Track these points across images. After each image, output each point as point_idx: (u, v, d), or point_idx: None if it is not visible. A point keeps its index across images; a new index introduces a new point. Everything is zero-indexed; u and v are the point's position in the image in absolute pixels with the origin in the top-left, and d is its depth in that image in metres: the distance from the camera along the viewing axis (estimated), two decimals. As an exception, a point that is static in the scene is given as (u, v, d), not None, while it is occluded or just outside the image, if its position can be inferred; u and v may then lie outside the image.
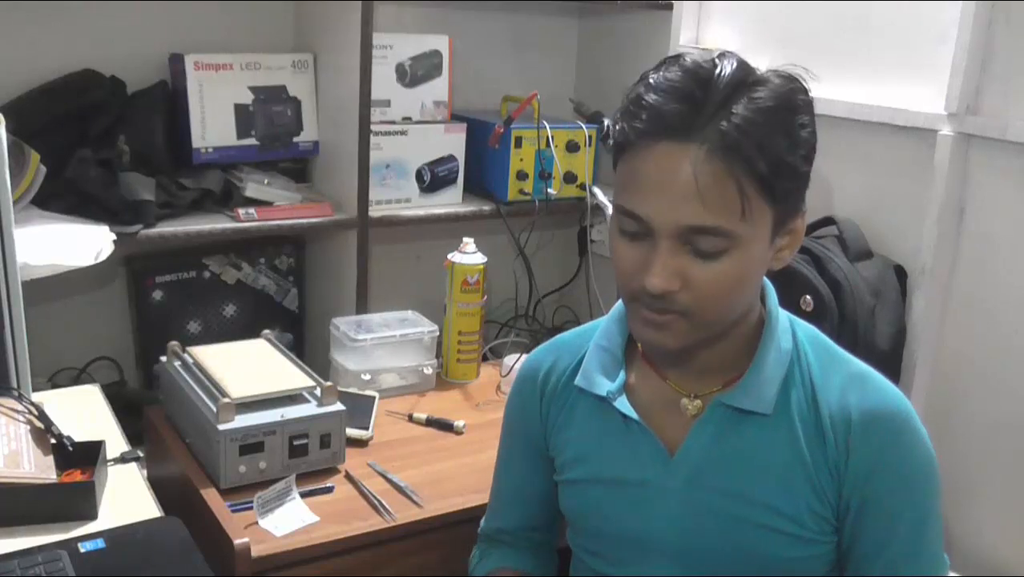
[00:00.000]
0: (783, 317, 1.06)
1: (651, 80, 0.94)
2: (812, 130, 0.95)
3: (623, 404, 1.07)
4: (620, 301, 1.15)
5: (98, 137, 1.79)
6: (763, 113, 0.90)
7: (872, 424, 0.99)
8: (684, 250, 0.93)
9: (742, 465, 1.02)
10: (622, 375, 1.09)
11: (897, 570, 1.00)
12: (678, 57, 0.95)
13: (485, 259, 1.90)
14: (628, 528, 1.06)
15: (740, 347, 1.04)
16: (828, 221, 1.79)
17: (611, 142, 1.00)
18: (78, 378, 1.89)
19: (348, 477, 1.48)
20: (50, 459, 1.20)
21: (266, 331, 1.68)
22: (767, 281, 1.07)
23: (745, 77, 0.93)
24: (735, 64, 0.93)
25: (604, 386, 1.08)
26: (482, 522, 1.30)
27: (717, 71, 0.92)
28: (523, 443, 1.20)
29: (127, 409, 1.70)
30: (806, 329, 1.08)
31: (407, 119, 2.04)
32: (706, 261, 0.93)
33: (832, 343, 1.08)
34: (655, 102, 0.92)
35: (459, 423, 1.68)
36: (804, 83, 0.96)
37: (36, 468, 1.16)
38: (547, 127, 2.08)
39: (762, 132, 0.90)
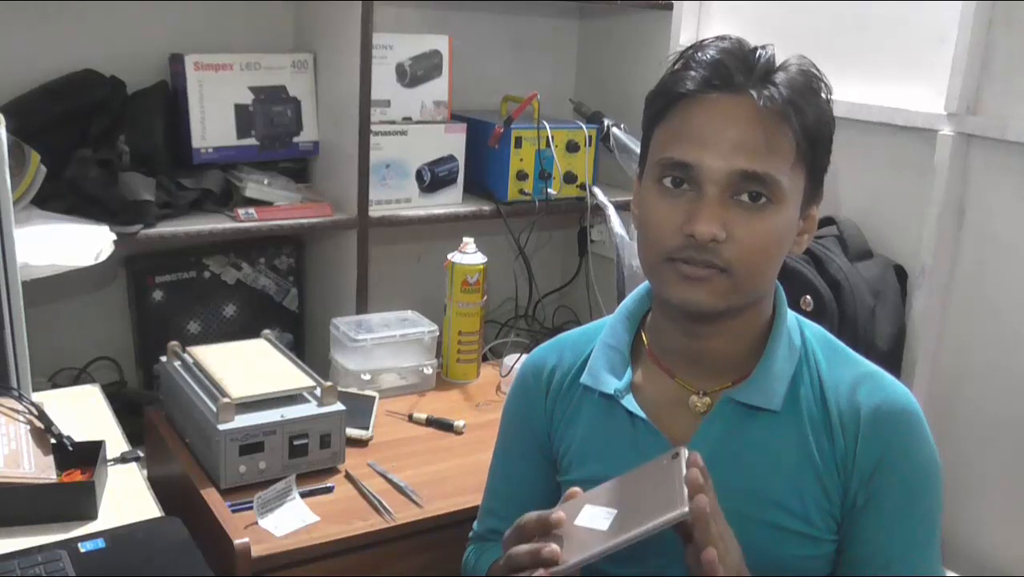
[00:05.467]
0: (791, 317, 1.07)
1: (695, 51, 0.99)
2: (832, 112, 1.02)
3: (630, 402, 1.06)
4: (625, 301, 1.15)
5: (98, 137, 1.79)
6: (799, 84, 0.98)
7: (882, 419, 1.00)
8: (730, 202, 0.95)
9: (751, 463, 1.01)
10: (629, 373, 1.09)
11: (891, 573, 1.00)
12: (713, 38, 1.01)
13: (485, 259, 1.90)
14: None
15: (749, 345, 1.04)
16: (828, 221, 1.79)
17: (660, 93, 1.01)
18: (78, 378, 1.89)
19: (348, 477, 1.48)
20: (50, 459, 1.20)
21: (266, 331, 1.68)
22: (776, 281, 1.07)
23: (774, 58, 1.00)
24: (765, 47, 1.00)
25: (611, 384, 1.08)
26: (475, 525, 1.27)
27: (755, 49, 0.99)
28: (525, 442, 1.19)
29: (127, 409, 1.70)
30: (814, 329, 1.09)
31: (407, 119, 2.04)
32: (750, 214, 0.95)
33: (840, 343, 1.08)
34: (713, 57, 0.97)
35: (459, 423, 1.68)
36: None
37: (36, 468, 1.16)
38: (547, 127, 2.08)
39: (805, 94, 0.98)
